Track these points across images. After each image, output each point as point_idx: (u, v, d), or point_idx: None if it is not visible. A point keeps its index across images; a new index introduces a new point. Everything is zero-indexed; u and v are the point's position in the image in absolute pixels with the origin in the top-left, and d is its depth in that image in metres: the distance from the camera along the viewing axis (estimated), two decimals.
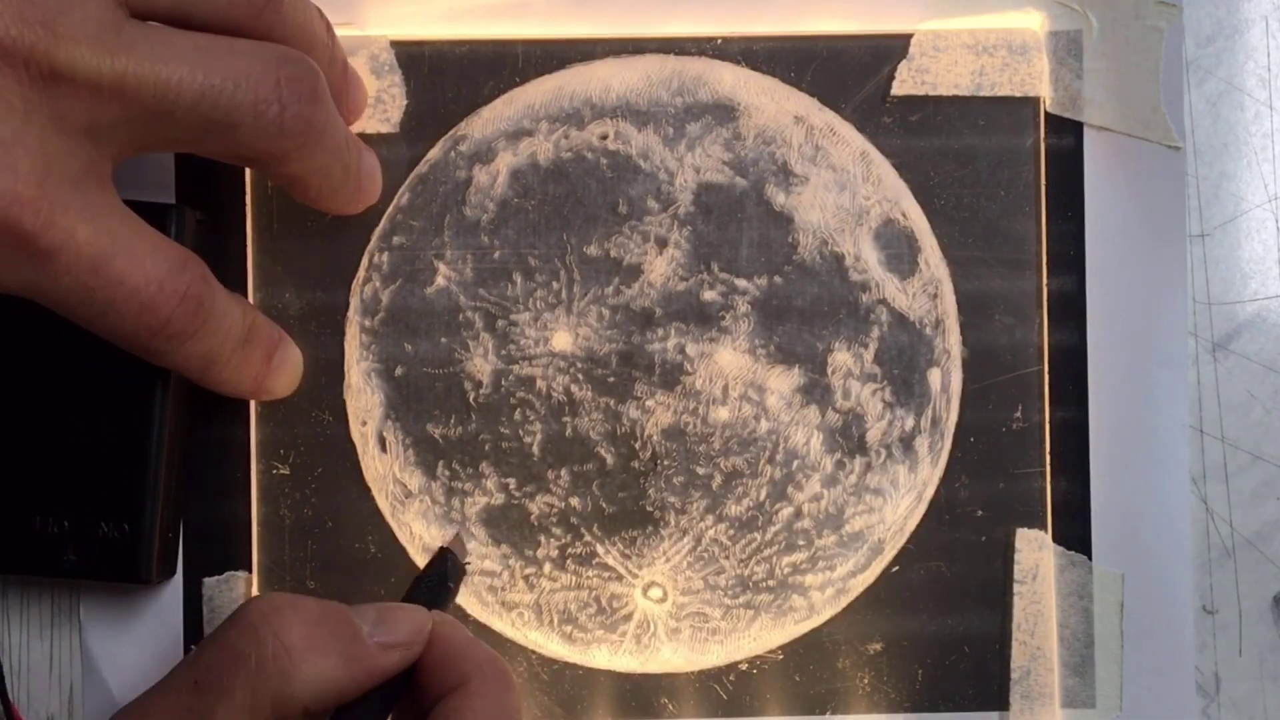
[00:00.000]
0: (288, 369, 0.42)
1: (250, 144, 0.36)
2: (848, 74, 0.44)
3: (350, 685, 0.36)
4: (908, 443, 0.44)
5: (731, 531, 0.43)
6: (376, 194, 0.42)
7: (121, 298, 0.35)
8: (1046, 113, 0.44)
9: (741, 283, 0.44)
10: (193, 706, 0.34)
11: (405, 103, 0.44)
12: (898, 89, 0.44)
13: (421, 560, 0.44)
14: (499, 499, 0.44)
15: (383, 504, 0.44)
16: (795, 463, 0.43)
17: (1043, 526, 0.44)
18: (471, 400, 0.44)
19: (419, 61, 0.44)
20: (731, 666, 0.44)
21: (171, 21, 0.36)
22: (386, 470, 0.44)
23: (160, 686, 0.36)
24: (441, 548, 0.40)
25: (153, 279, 0.36)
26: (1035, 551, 0.44)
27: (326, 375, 0.44)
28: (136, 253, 0.36)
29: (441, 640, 0.37)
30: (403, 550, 0.44)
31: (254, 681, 0.34)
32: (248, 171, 0.43)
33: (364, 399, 0.44)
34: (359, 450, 0.44)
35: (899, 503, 0.44)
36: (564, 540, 0.44)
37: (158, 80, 0.34)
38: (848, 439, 0.44)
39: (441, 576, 0.40)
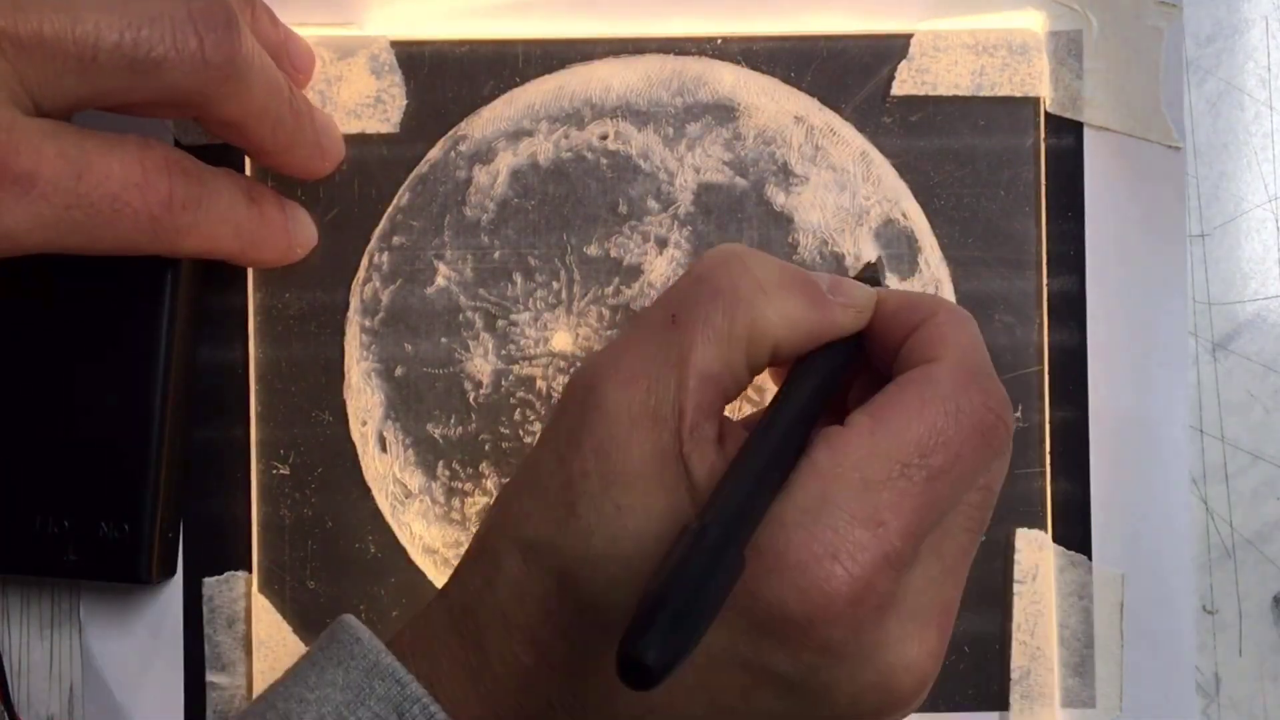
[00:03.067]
0: (304, 221, 0.43)
1: (178, 82, 0.37)
2: (848, 74, 0.44)
3: (814, 331, 0.35)
4: None
5: None
6: (340, 151, 0.43)
7: (118, 190, 0.36)
8: (1046, 113, 0.44)
9: None
10: (671, 339, 0.34)
11: (405, 103, 0.44)
12: (898, 89, 0.44)
13: (422, 561, 0.44)
14: None
15: (383, 504, 0.44)
16: None
17: (1043, 526, 0.44)
18: (471, 400, 0.44)
19: (419, 61, 0.44)
20: None
21: None
22: (386, 470, 0.44)
23: (634, 328, 0.35)
24: (868, 262, 0.41)
25: (133, 160, 0.37)
26: (1035, 551, 0.44)
27: (326, 375, 0.44)
28: (104, 147, 0.37)
29: (893, 296, 0.37)
30: (403, 550, 0.44)
31: (732, 310, 0.34)
32: (248, 169, 0.43)
33: (364, 399, 0.44)
34: (359, 450, 0.44)
35: None
36: None
37: (75, 30, 0.35)
38: None
39: (873, 279, 0.39)
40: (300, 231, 0.43)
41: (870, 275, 0.39)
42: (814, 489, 0.32)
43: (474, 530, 0.43)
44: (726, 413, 0.36)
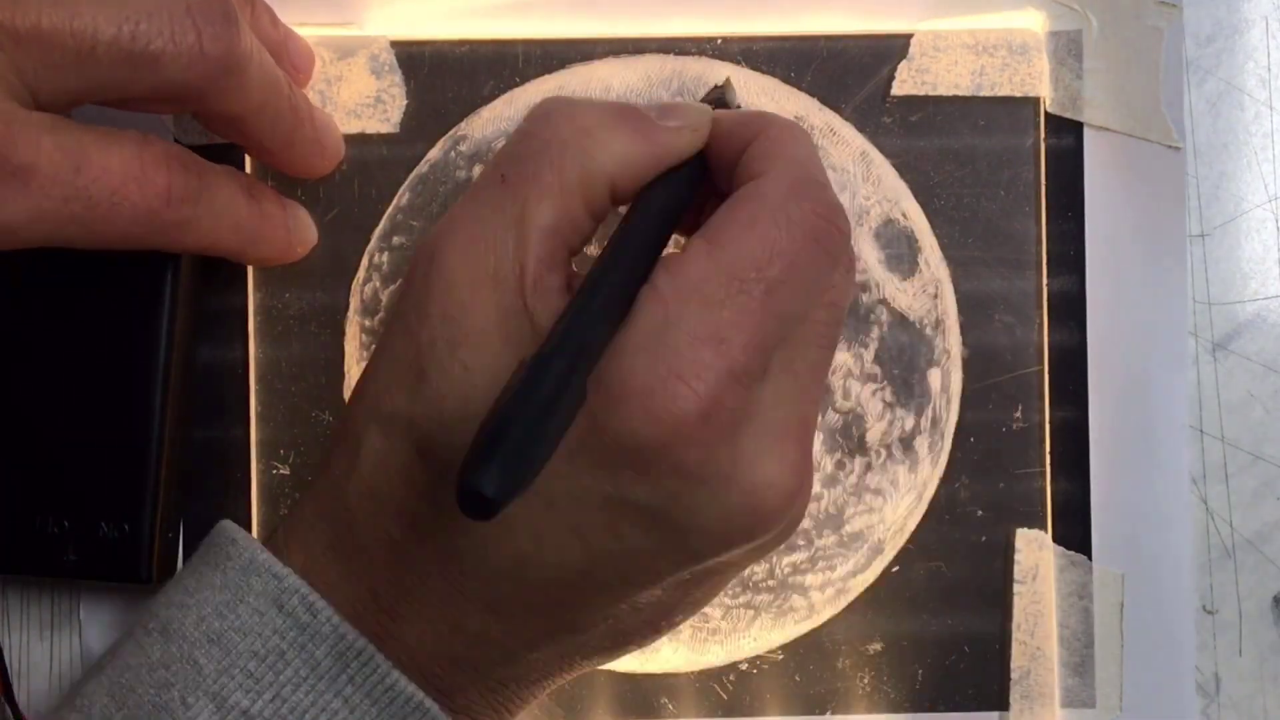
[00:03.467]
0: (303, 219, 0.43)
1: (176, 75, 0.37)
2: (848, 74, 0.44)
3: (648, 163, 0.35)
4: (908, 443, 0.44)
5: None
6: (340, 151, 0.43)
7: (117, 184, 0.36)
8: (1046, 113, 0.44)
9: None
10: (505, 198, 0.35)
11: (405, 103, 0.44)
12: (898, 89, 0.44)
13: None
14: None
15: None
16: None
17: (1043, 526, 0.44)
18: None
19: (419, 61, 0.44)
20: (731, 666, 0.44)
21: None
22: None
23: (469, 193, 0.36)
24: (715, 85, 0.40)
25: (131, 154, 0.37)
26: (1035, 551, 0.44)
27: (326, 375, 0.44)
28: (103, 141, 0.36)
29: (727, 116, 0.37)
30: None
31: (558, 161, 0.34)
32: (248, 169, 0.43)
33: None
34: None
35: (899, 503, 0.44)
36: None
37: (72, 24, 0.35)
38: (848, 439, 0.43)
39: (719, 101, 0.39)
40: (300, 229, 0.43)
41: (717, 98, 0.39)
42: (655, 314, 0.32)
43: None
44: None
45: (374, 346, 0.36)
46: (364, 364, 0.43)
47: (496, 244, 0.34)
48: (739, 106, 0.41)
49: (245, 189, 0.40)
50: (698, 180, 0.37)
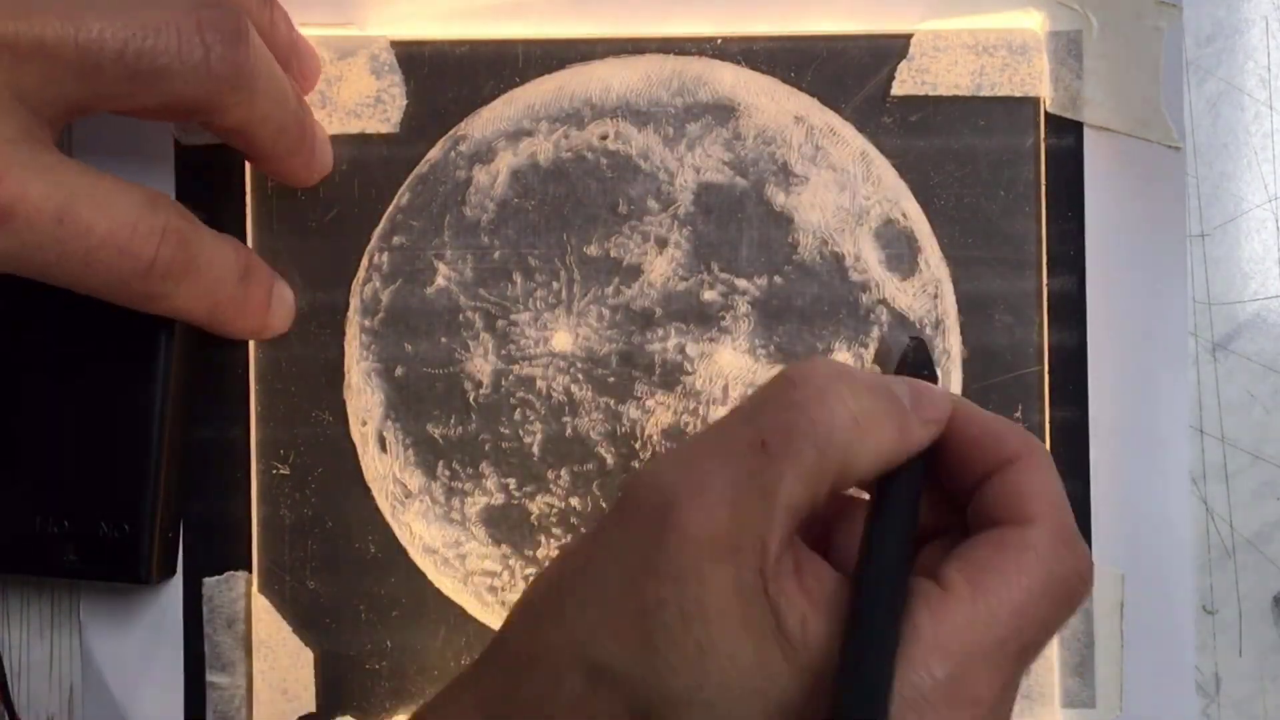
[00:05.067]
0: (286, 305, 0.43)
1: (182, 91, 0.36)
2: (848, 74, 0.44)
3: (899, 457, 0.34)
4: None
5: None
6: (329, 163, 0.43)
7: (96, 244, 0.36)
8: (1046, 113, 0.44)
9: (741, 283, 0.44)
10: (761, 467, 0.32)
11: (405, 103, 0.44)
12: (898, 89, 0.44)
13: (422, 561, 0.44)
14: (499, 499, 0.44)
15: (383, 504, 0.44)
16: None
17: None
18: (471, 400, 0.44)
19: (419, 61, 0.44)
20: None
21: None
22: (386, 470, 0.44)
23: (719, 444, 0.33)
24: (913, 337, 0.38)
25: (124, 221, 0.36)
26: None
27: (326, 375, 0.44)
28: (99, 198, 0.36)
29: (972, 419, 0.36)
30: (403, 550, 0.44)
31: (825, 448, 0.33)
32: (248, 170, 0.43)
33: (364, 399, 0.44)
34: (359, 450, 0.44)
35: None
36: (564, 540, 0.43)
37: (78, 37, 0.35)
38: None
39: (926, 363, 0.38)
40: (278, 315, 0.43)
41: (921, 358, 0.38)
42: (921, 662, 0.31)
43: (474, 531, 0.43)
44: None
45: (566, 564, 0.34)
46: (363, 364, 0.43)
47: (744, 513, 0.32)
48: (936, 367, 0.40)
49: (239, 271, 0.40)
50: (928, 466, 0.36)
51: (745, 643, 0.31)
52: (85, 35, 0.35)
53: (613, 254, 0.44)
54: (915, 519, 0.35)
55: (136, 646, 0.43)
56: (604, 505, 0.43)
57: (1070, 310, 0.44)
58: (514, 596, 0.43)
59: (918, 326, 0.44)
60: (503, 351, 0.44)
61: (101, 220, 0.36)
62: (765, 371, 0.44)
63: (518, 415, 0.44)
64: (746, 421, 0.33)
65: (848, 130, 0.44)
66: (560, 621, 0.33)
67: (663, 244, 0.44)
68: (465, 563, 0.44)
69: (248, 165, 0.43)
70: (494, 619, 0.44)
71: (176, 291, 0.38)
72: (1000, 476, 0.35)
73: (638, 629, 0.32)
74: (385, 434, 0.44)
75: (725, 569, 0.31)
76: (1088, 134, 0.44)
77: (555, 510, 0.43)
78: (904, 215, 0.44)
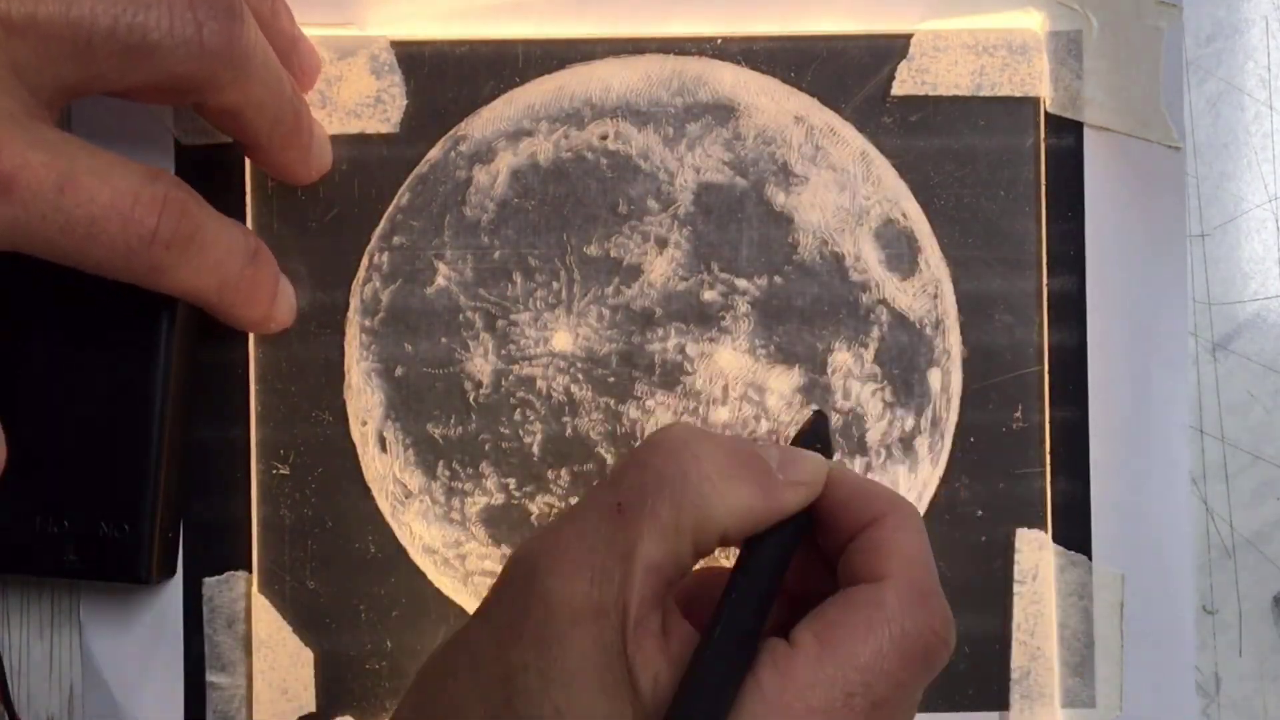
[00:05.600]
0: (290, 299, 0.43)
1: (175, 67, 0.36)
2: (848, 74, 0.44)
3: (762, 517, 0.35)
4: (908, 443, 0.44)
5: None
6: (328, 162, 0.43)
7: (99, 214, 0.36)
8: (1046, 113, 0.44)
9: (741, 283, 0.44)
10: (617, 530, 0.33)
11: (405, 103, 0.44)
12: (898, 89, 0.44)
13: (422, 561, 0.44)
14: (499, 499, 0.44)
15: (383, 504, 0.44)
16: None
17: (1043, 526, 0.44)
18: (471, 400, 0.44)
19: (419, 61, 0.44)
20: None
21: None
22: (386, 470, 0.44)
23: (579, 512, 0.34)
24: (816, 410, 0.40)
25: (125, 190, 0.36)
26: (1035, 551, 0.44)
27: (326, 375, 0.44)
28: (100, 169, 0.36)
29: (844, 482, 0.37)
30: (403, 550, 0.44)
31: (680, 503, 0.34)
32: (248, 171, 0.43)
33: (364, 399, 0.44)
34: (359, 450, 0.44)
35: None
36: None
37: (69, 12, 0.35)
38: (848, 439, 0.44)
39: (821, 435, 0.38)
40: (282, 308, 0.42)
41: (819, 430, 0.39)
42: (761, 718, 0.32)
43: (474, 531, 0.44)
44: None
45: (453, 636, 0.36)
46: (363, 364, 0.43)
47: (603, 575, 0.33)
48: (835, 444, 0.41)
49: (248, 252, 0.40)
50: (804, 531, 0.36)
51: (600, 703, 0.32)
52: (77, 11, 0.35)
53: (613, 254, 0.44)
54: (776, 579, 0.35)
55: (136, 646, 0.43)
56: None
57: (1070, 310, 0.44)
58: None
59: (917, 327, 0.44)
60: (503, 351, 0.44)
61: (103, 189, 0.36)
62: (765, 371, 0.44)
63: (518, 415, 0.44)
64: (606, 488, 0.35)
65: (848, 130, 0.44)
66: (441, 693, 0.34)
67: (663, 244, 0.44)
68: (465, 563, 0.44)
69: (248, 165, 0.43)
70: None
71: (182, 263, 0.38)
72: (862, 536, 0.35)
73: (502, 693, 0.33)
74: (385, 434, 0.44)
75: (586, 630, 0.32)
76: (1088, 134, 0.44)
77: (555, 510, 0.44)
78: (904, 215, 0.44)
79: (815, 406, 0.42)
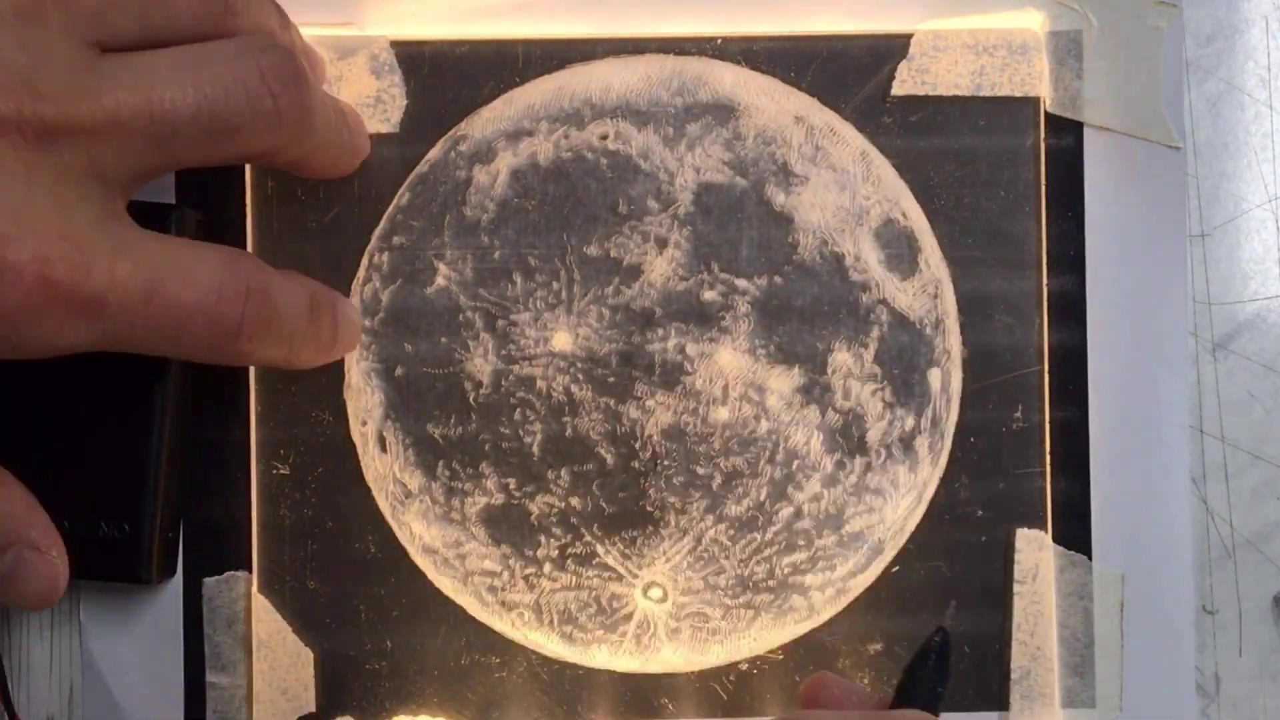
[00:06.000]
0: (352, 325, 0.43)
1: (254, 142, 0.36)
2: (848, 74, 0.44)
3: None
4: (908, 443, 0.44)
5: (732, 531, 0.43)
6: (368, 147, 0.43)
7: (186, 317, 0.35)
8: (1046, 113, 0.44)
9: (741, 283, 0.44)
10: None
11: (405, 103, 0.44)
12: (898, 89, 0.44)
13: (422, 561, 0.44)
14: (499, 499, 0.44)
15: (383, 504, 0.44)
16: (795, 463, 0.43)
17: (1043, 526, 0.44)
18: (471, 400, 0.44)
19: (419, 61, 0.44)
20: (732, 666, 0.44)
21: (140, 46, 0.36)
22: (386, 470, 0.44)
23: None
24: (940, 626, 0.38)
25: (209, 288, 0.36)
26: (1035, 551, 0.44)
27: (326, 375, 0.44)
28: (182, 269, 0.36)
29: None
30: (403, 550, 0.44)
31: None
32: (248, 171, 0.43)
33: (364, 399, 0.44)
34: (359, 450, 0.44)
35: (899, 503, 0.44)
36: (564, 540, 0.44)
37: (150, 106, 0.34)
38: (848, 439, 0.44)
39: (941, 660, 0.37)
40: (344, 338, 0.42)
41: (943, 651, 0.37)
42: None
43: (474, 531, 0.44)
44: None
45: None
46: (363, 364, 0.43)
47: None
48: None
49: (308, 303, 0.40)
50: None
51: None
52: (158, 106, 0.34)
53: (613, 254, 0.44)
54: None
55: (136, 646, 0.43)
56: (603, 505, 0.43)
57: (1070, 310, 0.44)
58: (514, 596, 0.43)
59: (917, 327, 0.44)
60: (503, 351, 0.44)
61: (188, 291, 0.35)
62: (764, 371, 0.44)
63: (518, 415, 0.44)
64: None
65: (848, 130, 0.44)
66: None
67: (663, 244, 0.44)
68: (465, 563, 0.44)
69: (248, 165, 0.43)
70: (493, 619, 0.44)
71: (259, 347, 0.38)
72: None
73: None
74: (385, 434, 0.44)
75: None
76: (1088, 134, 0.44)
77: (555, 510, 0.44)
78: (904, 215, 0.44)
79: (943, 626, 0.38)
